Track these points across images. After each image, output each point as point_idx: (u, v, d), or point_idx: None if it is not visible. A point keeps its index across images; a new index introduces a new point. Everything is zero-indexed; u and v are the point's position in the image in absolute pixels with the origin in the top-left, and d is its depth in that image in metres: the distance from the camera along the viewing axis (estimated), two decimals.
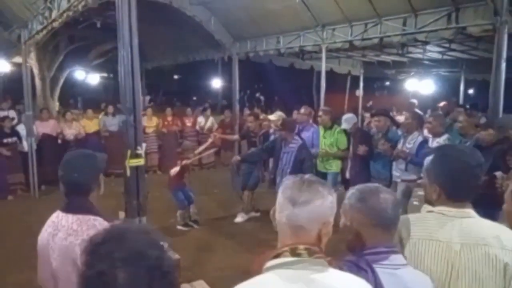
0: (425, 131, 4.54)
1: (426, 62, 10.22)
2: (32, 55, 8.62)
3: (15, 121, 7.25)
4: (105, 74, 18.41)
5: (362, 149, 4.49)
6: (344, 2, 5.69)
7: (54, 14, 5.47)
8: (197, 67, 15.17)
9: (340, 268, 1.02)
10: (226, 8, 6.98)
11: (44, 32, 6.08)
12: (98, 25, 7.94)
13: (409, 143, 4.19)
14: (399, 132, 4.71)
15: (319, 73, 8.46)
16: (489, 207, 1.32)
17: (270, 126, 5.26)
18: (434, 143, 4.01)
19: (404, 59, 9.88)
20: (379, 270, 1.11)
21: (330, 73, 8.25)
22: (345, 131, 4.91)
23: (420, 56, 9.31)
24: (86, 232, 1.47)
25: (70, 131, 7.29)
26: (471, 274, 1.23)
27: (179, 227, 4.98)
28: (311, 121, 5.44)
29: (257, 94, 21.04)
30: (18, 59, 9.30)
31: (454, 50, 8.34)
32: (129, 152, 3.17)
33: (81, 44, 10.54)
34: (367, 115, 7.77)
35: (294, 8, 6.15)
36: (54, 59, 10.11)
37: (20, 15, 6.80)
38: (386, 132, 4.55)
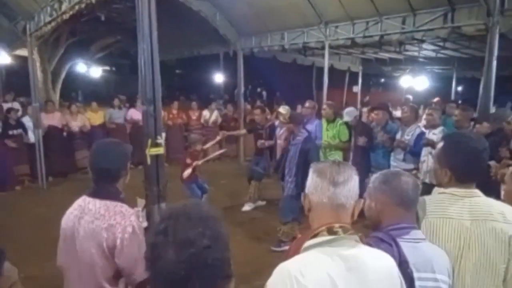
0: (423, 123, 4.80)
1: (421, 59, 10.56)
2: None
3: (19, 113, 7.31)
4: (107, 68, 18.32)
5: (362, 140, 4.77)
6: (347, 0, 5.91)
7: (65, 6, 5.55)
8: (199, 62, 15.20)
9: (369, 244, 1.14)
10: (231, 3, 7.12)
11: (53, 24, 6.14)
12: (102, 18, 7.94)
13: (407, 135, 4.44)
14: (396, 125, 4.96)
15: (319, 69, 8.70)
16: (485, 194, 1.46)
17: (276, 119, 5.44)
18: (430, 134, 4.27)
19: (401, 57, 10.18)
20: (402, 243, 1.24)
21: (330, 70, 8.46)
22: (346, 123, 5.15)
23: (416, 53, 9.62)
24: (113, 217, 1.53)
25: (76, 123, 7.37)
26: (480, 247, 1.36)
27: None
28: (315, 114, 5.67)
29: (259, 89, 21.18)
30: (20, 52, 9.30)
31: (447, 48, 8.66)
32: (149, 141, 3.36)
33: (82, 37, 10.50)
34: (365, 109, 8.03)
35: (298, 5, 6.35)
36: (55, 52, 10.07)
37: (26, 6, 6.84)
38: (385, 125, 4.81)
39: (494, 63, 4.44)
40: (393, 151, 4.56)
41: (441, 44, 8.05)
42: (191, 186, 5.09)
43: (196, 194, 5.16)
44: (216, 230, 0.87)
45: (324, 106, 5.29)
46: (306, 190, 1.15)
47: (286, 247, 3.65)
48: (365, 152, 4.86)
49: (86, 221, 1.56)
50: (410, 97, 10.03)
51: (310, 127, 5.34)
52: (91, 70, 13.69)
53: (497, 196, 1.62)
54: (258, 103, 8.00)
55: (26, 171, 6.84)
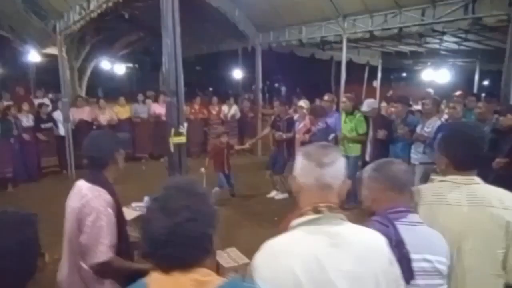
0: (445, 116, 4.76)
1: (443, 52, 10.30)
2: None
3: (50, 108, 7.72)
4: (130, 65, 18.86)
5: (381, 134, 4.76)
6: None
7: (93, 5, 5.82)
8: (217, 59, 15.42)
9: (366, 226, 1.16)
10: None
11: (81, 22, 6.43)
12: (126, 16, 8.22)
13: (428, 127, 4.42)
14: (416, 118, 4.95)
15: (337, 63, 8.66)
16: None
17: (295, 113, 5.54)
18: None
19: (422, 50, 9.98)
20: (400, 226, 1.27)
21: (349, 64, 8.41)
22: (365, 117, 5.17)
23: (437, 46, 9.41)
24: (91, 199, 1.70)
25: (104, 117, 7.74)
26: (478, 232, 1.38)
27: None
28: (334, 107, 5.71)
29: (277, 85, 21.21)
30: (49, 50, 9.74)
31: (470, 40, 8.42)
32: (172, 130, 3.55)
33: (106, 35, 10.86)
34: (384, 104, 7.95)
35: None
36: (81, 50, 10.49)
37: (56, 6, 7.19)
38: (405, 117, 4.81)
39: None
40: (413, 143, 4.54)
41: (463, 36, 7.84)
42: (219, 175, 5.51)
43: (221, 182, 5.49)
44: (202, 206, 0.95)
45: (344, 99, 5.33)
46: (294, 173, 1.17)
47: None
48: (384, 145, 4.85)
49: (72, 200, 1.79)
50: (431, 90, 9.82)
51: (330, 120, 5.41)
52: (115, 67, 14.16)
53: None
54: (275, 100, 8.06)
55: (55, 162, 7.25)
